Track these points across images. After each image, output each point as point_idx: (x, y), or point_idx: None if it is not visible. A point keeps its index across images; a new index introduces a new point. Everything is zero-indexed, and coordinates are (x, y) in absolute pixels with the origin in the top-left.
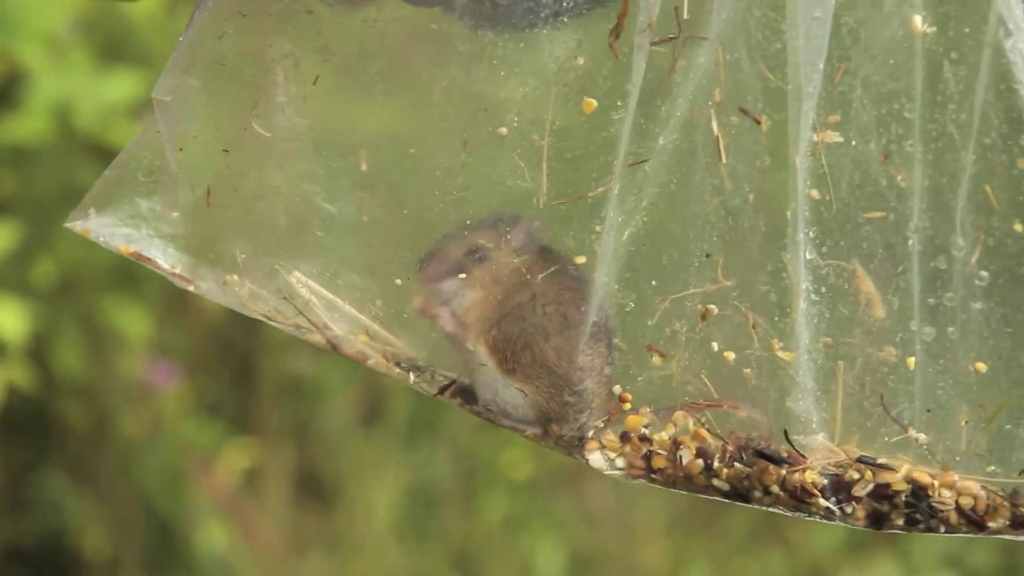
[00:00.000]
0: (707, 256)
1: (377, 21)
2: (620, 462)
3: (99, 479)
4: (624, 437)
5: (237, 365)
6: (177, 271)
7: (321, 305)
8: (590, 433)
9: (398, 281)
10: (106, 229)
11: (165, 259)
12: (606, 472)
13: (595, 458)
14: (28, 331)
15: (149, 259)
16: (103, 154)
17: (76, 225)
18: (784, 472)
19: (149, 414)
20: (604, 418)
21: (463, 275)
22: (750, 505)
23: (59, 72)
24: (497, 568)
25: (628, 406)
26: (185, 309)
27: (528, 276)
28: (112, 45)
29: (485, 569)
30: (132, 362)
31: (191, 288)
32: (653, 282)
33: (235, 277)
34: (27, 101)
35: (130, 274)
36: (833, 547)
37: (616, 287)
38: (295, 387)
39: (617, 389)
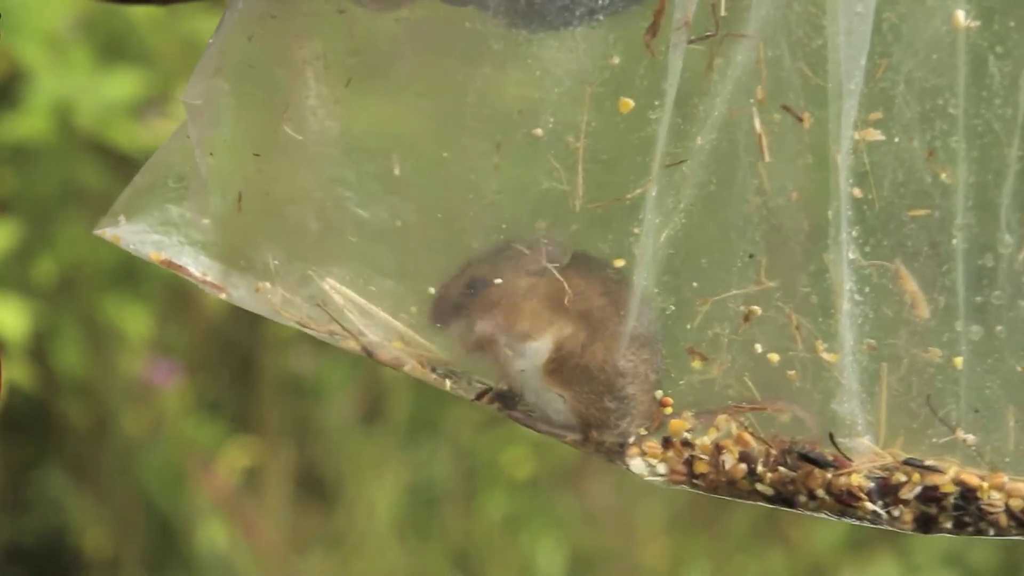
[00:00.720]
0: (750, 256)
1: (410, 20)
2: (662, 468)
3: (100, 478)
4: (666, 442)
5: (238, 364)
6: (208, 278)
7: (355, 311)
8: (631, 439)
9: (431, 289)
10: (136, 236)
11: (196, 266)
12: (647, 478)
13: (636, 464)
14: (28, 330)
15: (180, 266)
16: (104, 153)
17: (106, 233)
18: (830, 476)
19: (150, 413)
20: (646, 424)
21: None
22: (795, 510)
23: (59, 71)
24: (498, 567)
25: (670, 411)
26: (186, 308)
27: (565, 282)
28: (113, 44)
29: (486, 568)
30: (133, 361)
31: (223, 296)
32: (694, 284)
33: (267, 284)
34: (27, 100)
35: (131, 273)
36: (834, 545)
37: (656, 290)
38: (296, 386)
39: (659, 394)
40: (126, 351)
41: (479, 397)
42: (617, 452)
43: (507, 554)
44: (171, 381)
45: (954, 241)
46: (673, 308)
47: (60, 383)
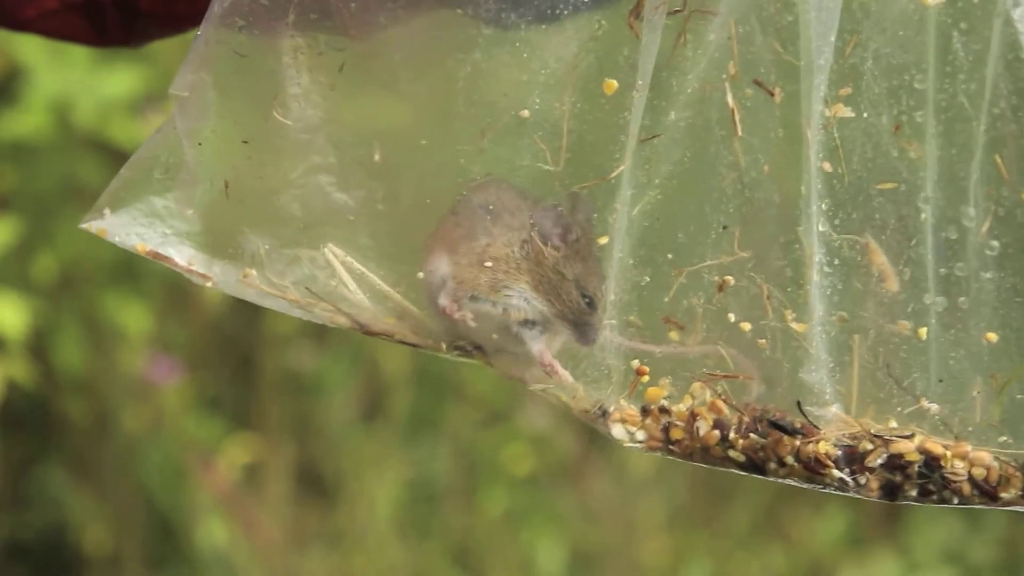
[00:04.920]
0: (724, 228)
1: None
2: (640, 435)
3: (100, 475)
4: (644, 411)
5: (238, 360)
6: (194, 268)
7: (350, 283)
8: (612, 407)
9: (420, 275)
10: (122, 228)
11: (181, 256)
12: (627, 444)
13: (617, 430)
14: (29, 327)
15: (166, 257)
16: (103, 150)
17: (92, 225)
18: (798, 443)
19: (150, 410)
20: (624, 393)
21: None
22: (766, 477)
23: (58, 68)
24: (498, 564)
25: (647, 379)
26: (185, 304)
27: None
28: None
29: (486, 565)
30: (133, 357)
31: (208, 284)
32: (669, 256)
33: (253, 271)
34: (27, 97)
35: (131, 270)
36: (834, 542)
37: (631, 262)
38: (296, 382)
39: (635, 363)
40: (126, 348)
41: (468, 355)
42: (600, 418)
43: (507, 551)
44: (171, 378)
45: (921, 214)
46: (649, 279)
47: (60, 380)
